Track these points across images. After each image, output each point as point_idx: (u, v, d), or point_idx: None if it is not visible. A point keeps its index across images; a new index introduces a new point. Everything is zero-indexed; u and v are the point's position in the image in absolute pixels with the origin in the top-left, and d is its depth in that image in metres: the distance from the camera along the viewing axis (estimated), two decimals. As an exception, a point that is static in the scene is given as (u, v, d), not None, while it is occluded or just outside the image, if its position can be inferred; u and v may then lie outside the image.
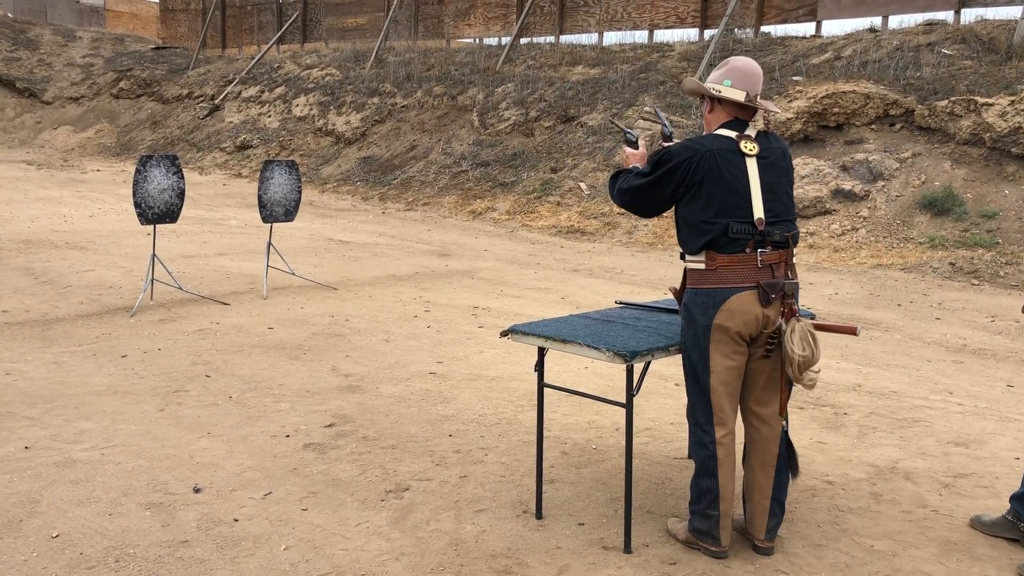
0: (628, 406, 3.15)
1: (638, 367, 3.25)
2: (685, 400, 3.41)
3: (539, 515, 3.43)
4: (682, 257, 3.18)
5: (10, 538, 3.15)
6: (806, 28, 15.33)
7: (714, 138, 3.11)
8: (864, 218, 10.53)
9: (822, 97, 11.77)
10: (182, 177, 7.25)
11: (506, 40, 18.67)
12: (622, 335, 3.24)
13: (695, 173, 3.03)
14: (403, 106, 17.77)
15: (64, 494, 3.53)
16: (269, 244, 8.03)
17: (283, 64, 21.90)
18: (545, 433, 4.28)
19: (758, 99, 3.12)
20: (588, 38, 18.08)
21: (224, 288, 7.86)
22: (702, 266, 3.06)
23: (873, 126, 11.54)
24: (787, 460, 3.22)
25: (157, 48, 27.47)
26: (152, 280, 7.19)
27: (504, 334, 3.40)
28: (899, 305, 7.91)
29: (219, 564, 3.02)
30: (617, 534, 3.27)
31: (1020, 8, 12.04)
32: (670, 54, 15.81)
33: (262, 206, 7.79)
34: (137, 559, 3.03)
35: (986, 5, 12.82)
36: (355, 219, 13.47)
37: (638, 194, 3.20)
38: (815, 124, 11.81)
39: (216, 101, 21.72)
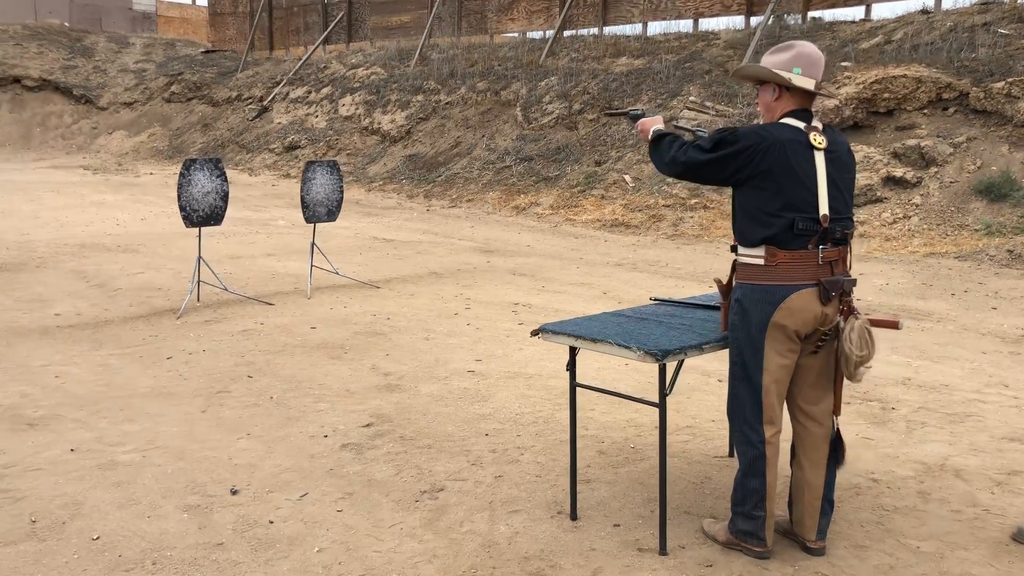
0: (661, 405, 3.09)
1: (671, 366, 3.18)
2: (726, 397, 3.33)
3: (574, 516, 3.39)
4: (733, 250, 3.08)
5: (53, 540, 3.22)
6: (855, 12, 15.00)
7: (782, 127, 2.98)
8: (917, 205, 10.24)
9: (871, 83, 11.48)
10: (226, 180, 7.36)
11: (549, 33, 18.59)
12: (654, 333, 3.18)
13: (760, 162, 2.92)
14: (447, 103, 17.81)
15: (106, 496, 3.59)
16: (312, 244, 8.11)
17: (329, 64, 22.11)
18: (582, 432, 4.24)
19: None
20: (632, 29, 17.93)
21: (269, 288, 7.95)
22: (760, 261, 2.95)
23: (925, 111, 11.22)
24: (834, 450, 3.13)
25: (207, 52, 27.98)
26: (198, 282, 7.30)
27: (535, 333, 3.36)
28: (953, 295, 7.68)
29: (253, 567, 3.04)
30: (653, 535, 3.22)
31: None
32: (715, 43, 15.58)
33: (305, 207, 7.86)
34: (174, 561, 3.07)
35: (1044, -18, 12.38)
36: (400, 217, 13.55)
37: (694, 168, 3.07)
38: (864, 110, 11.52)
39: (264, 103, 22.02)
